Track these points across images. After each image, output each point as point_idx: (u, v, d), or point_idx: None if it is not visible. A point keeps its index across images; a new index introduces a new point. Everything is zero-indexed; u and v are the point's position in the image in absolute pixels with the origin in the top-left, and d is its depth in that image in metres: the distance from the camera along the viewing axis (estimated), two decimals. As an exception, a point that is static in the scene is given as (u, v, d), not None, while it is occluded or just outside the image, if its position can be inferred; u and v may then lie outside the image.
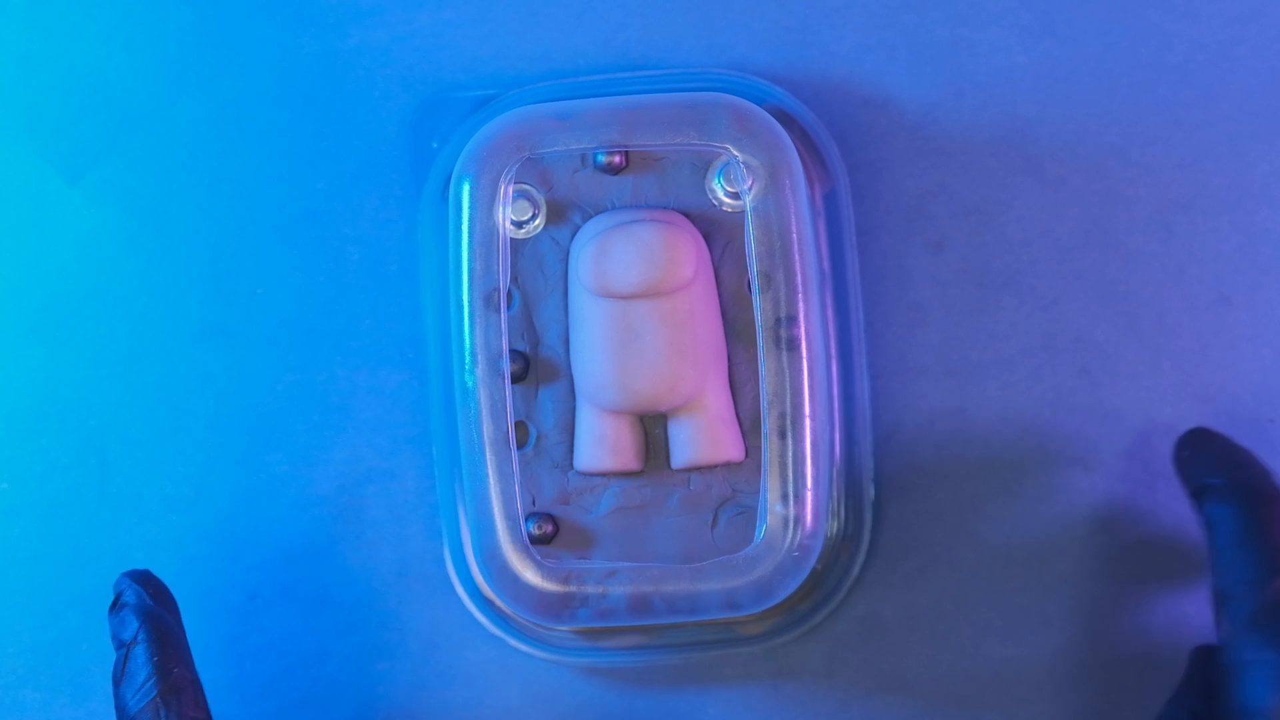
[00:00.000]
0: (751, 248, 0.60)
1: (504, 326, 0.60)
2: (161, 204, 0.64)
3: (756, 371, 0.60)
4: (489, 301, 0.60)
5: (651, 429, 0.62)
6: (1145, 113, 0.63)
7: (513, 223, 0.62)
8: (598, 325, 0.60)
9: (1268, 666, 0.52)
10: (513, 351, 0.62)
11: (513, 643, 0.63)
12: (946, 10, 0.63)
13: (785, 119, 0.61)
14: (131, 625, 0.57)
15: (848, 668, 0.63)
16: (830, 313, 0.61)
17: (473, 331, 0.60)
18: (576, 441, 0.62)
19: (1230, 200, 0.63)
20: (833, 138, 0.62)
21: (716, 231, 0.62)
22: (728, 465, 0.62)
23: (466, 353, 0.60)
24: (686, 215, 0.62)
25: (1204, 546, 0.57)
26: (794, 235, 0.59)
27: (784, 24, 0.64)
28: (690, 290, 0.60)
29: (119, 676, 0.56)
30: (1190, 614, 0.63)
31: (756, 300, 0.60)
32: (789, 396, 0.59)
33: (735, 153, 0.60)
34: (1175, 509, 0.63)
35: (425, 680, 0.64)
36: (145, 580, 0.58)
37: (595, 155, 0.62)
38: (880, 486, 0.63)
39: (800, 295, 0.59)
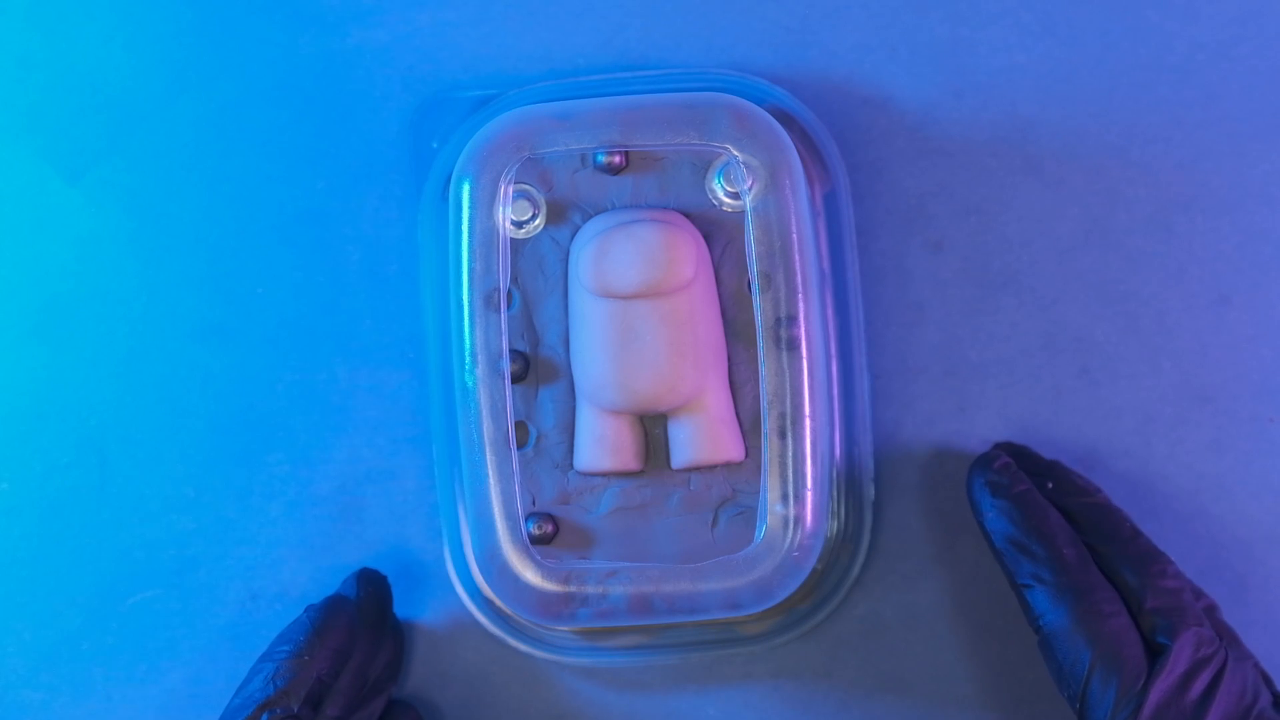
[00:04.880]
0: (751, 248, 0.60)
1: (504, 326, 0.60)
2: (161, 204, 0.64)
3: (756, 371, 0.60)
4: (489, 301, 0.60)
5: (651, 429, 0.62)
6: (1145, 113, 0.63)
7: (513, 223, 0.62)
8: (598, 325, 0.60)
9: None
10: (513, 351, 0.62)
11: (513, 643, 0.63)
12: (946, 10, 0.63)
13: (785, 119, 0.61)
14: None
15: (848, 668, 0.63)
16: (830, 313, 0.61)
17: (473, 331, 0.60)
18: (576, 441, 0.62)
19: (1230, 200, 0.63)
20: (833, 138, 0.62)
21: (716, 231, 0.62)
22: (728, 465, 0.62)
23: (466, 353, 0.60)
24: (686, 215, 0.62)
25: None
26: (794, 235, 0.59)
27: (784, 24, 0.64)
28: (690, 290, 0.60)
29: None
30: (1190, 614, 0.63)
31: (756, 300, 0.60)
32: (789, 396, 0.59)
33: (735, 153, 0.60)
34: (1174, 508, 0.63)
35: (425, 680, 0.64)
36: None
37: (595, 155, 0.62)
38: (880, 486, 0.63)
39: (800, 295, 0.59)
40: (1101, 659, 0.55)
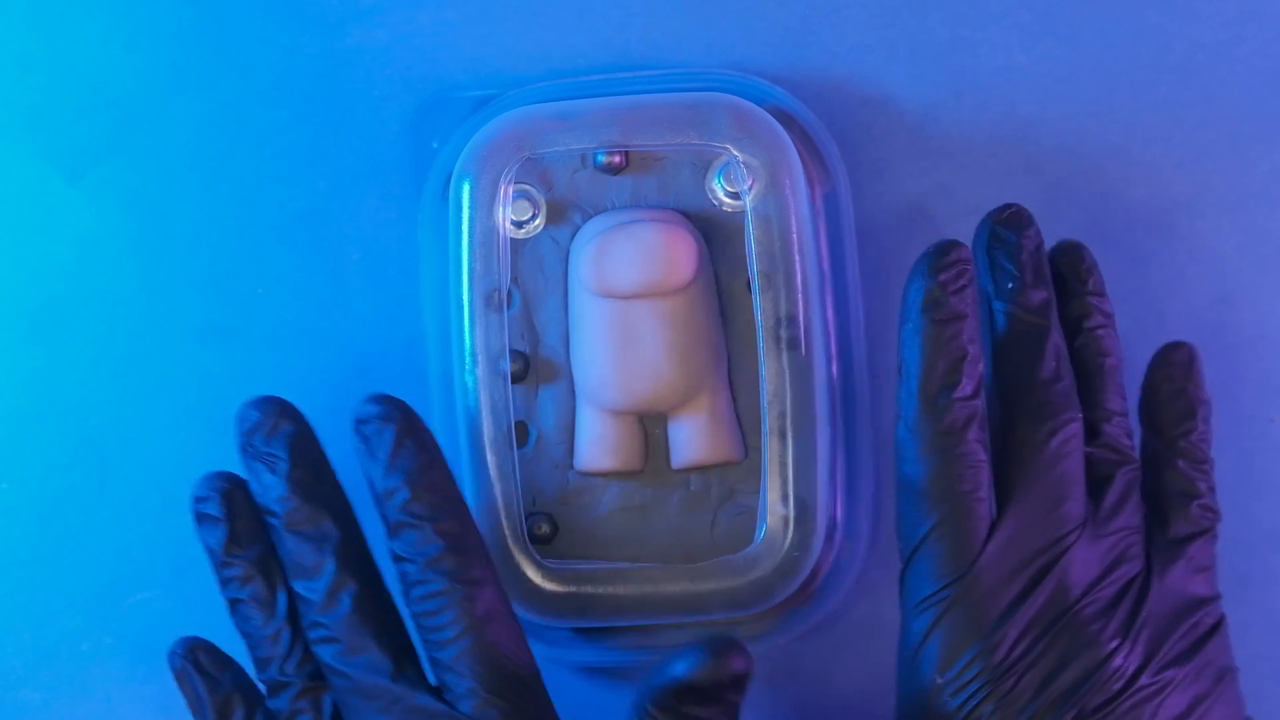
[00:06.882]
0: (751, 248, 0.60)
1: (504, 326, 0.60)
2: (161, 204, 0.64)
3: (756, 371, 0.60)
4: (489, 301, 0.60)
5: (651, 429, 0.62)
6: (1145, 113, 0.63)
7: (513, 223, 0.62)
8: (598, 325, 0.60)
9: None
10: (513, 351, 0.62)
11: (513, 643, 0.63)
12: (946, 10, 0.63)
13: (785, 119, 0.61)
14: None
15: (847, 668, 0.63)
16: (830, 313, 0.61)
17: (473, 331, 0.60)
18: (576, 441, 0.62)
19: (1230, 200, 0.63)
20: (833, 138, 0.62)
21: (716, 231, 0.62)
22: (728, 465, 0.62)
23: (466, 353, 0.60)
24: (686, 215, 0.62)
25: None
26: (794, 235, 0.60)
27: (784, 24, 0.64)
28: (690, 290, 0.60)
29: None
30: (1190, 614, 0.63)
31: (756, 300, 0.60)
32: (789, 396, 0.59)
33: (735, 153, 0.60)
34: (1175, 509, 0.63)
35: (425, 680, 0.64)
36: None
37: (595, 155, 0.62)
38: (880, 486, 0.63)
39: (800, 295, 0.60)
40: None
